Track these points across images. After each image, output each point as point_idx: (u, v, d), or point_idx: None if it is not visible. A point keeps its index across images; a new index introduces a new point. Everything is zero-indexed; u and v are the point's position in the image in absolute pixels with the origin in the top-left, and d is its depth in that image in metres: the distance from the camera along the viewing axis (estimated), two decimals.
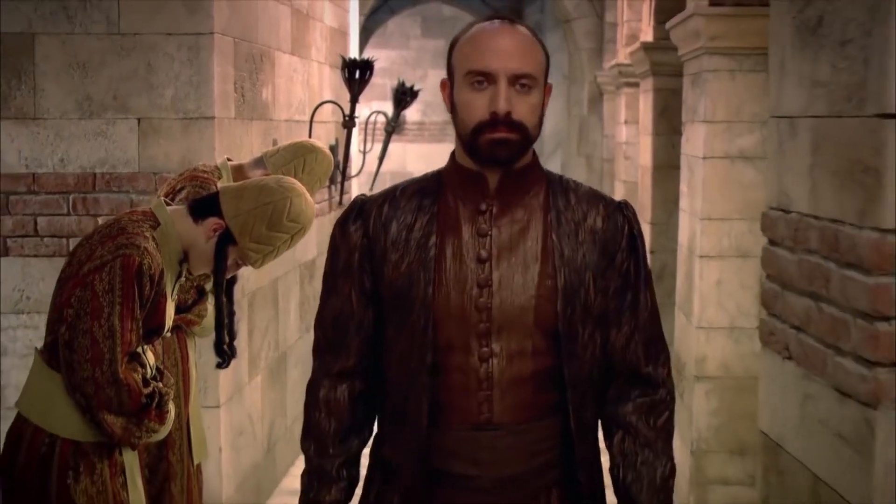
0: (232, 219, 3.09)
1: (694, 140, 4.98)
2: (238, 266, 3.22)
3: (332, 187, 7.08)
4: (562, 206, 2.16)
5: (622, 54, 8.75)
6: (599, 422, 2.24)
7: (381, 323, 2.23)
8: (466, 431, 2.13)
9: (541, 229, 2.15)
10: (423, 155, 18.07)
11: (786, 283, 2.76)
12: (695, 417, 5.18)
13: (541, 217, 2.16)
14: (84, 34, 4.65)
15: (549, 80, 2.15)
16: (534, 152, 2.17)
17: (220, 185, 3.91)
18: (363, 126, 9.20)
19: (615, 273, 2.17)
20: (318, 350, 2.30)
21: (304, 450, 2.29)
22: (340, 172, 7.11)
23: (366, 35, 13.60)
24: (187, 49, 4.68)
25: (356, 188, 8.67)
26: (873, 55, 2.31)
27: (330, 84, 7.18)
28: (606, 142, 10.44)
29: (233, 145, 4.93)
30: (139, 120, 4.70)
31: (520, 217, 2.15)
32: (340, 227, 2.26)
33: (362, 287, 2.22)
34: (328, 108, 6.86)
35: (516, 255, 2.13)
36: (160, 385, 3.09)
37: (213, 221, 3.08)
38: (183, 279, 3.30)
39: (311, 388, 2.30)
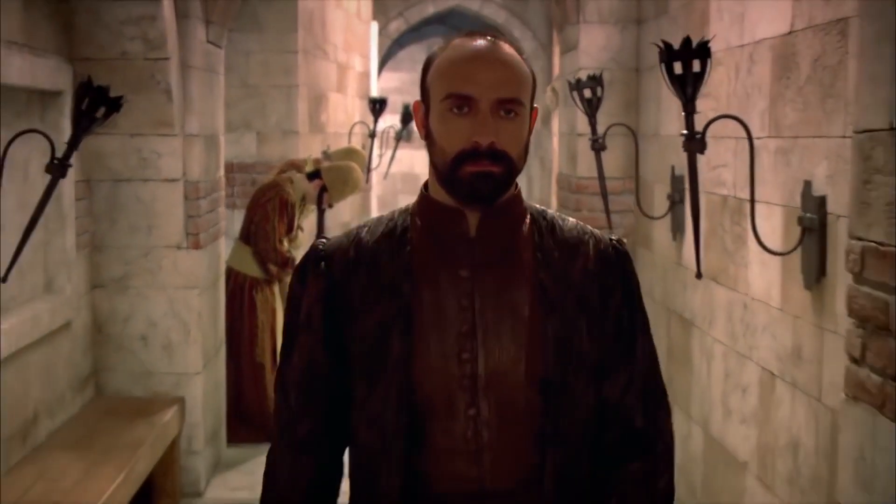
0: (326, 180, 6.85)
1: None
2: (327, 203, 6.98)
3: None
4: (549, 245, 1.91)
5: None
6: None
7: (349, 382, 1.94)
8: (451, 502, 1.86)
9: (528, 271, 1.89)
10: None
11: (564, 208, 6.50)
12: None
13: (527, 257, 1.90)
14: (228, 87, 8.39)
15: (535, 104, 1.90)
16: (516, 184, 1.92)
17: (306, 169, 7.66)
18: (379, 135, 13.01)
19: (610, 318, 1.92)
20: (280, 417, 2.01)
21: None
22: (366, 167, 10.90)
23: (382, 64, 17.34)
24: (284, 94, 8.43)
25: (375, 178, 12.50)
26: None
27: (359, 109, 11.00)
28: (551, 147, 14.29)
29: (307, 148, 8.68)
30: (257, 133, 8.45)
31: (505, 258, 1.89)
32: (300, 275, 1.99)
33: (328, 341, 1.94)
34: (358, 124, 10.67)
35: (502, 301, 1.87)
36: (293, 254, 6.85)
37: (318, 181, 6.84)
38: (298, 211, 7.06)
39: (272, 461, 2.02)
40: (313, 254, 1.98)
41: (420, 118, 1.92)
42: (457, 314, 1.87)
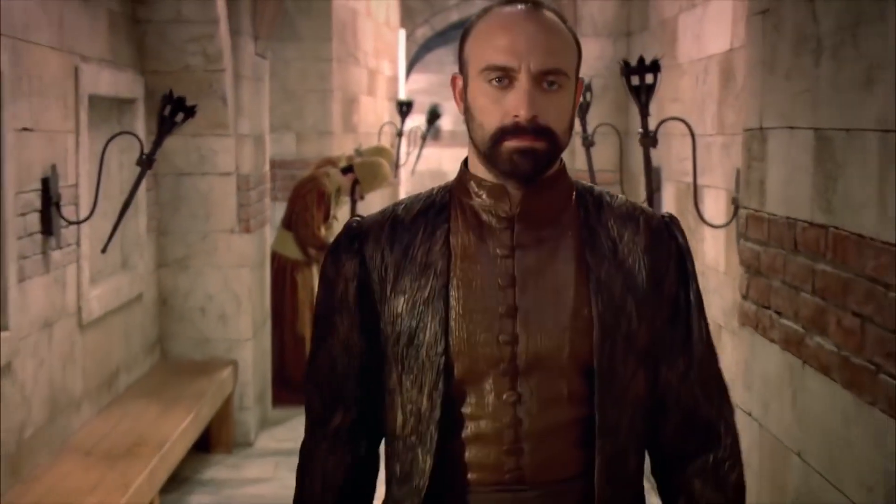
0: (358, 174, 7.80)
1: None
2: (359, 195, 7.93)
3: None
4: (596, 222, 1.81)
5: None
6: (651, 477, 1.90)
7: (382, 367, 1.86)
8: (489, 493, 1.77)
9: (573, 250, 1.79)
10: (456, 158, 22.34)
11: None
12: None
13: (573, 235, 1.80)
14: (269, 91, 9.35)
15: (581, 75, 1.79)
16: (561, 159, 1.81)
17: (340, 164, 8.61)
18: (406, 135, 13.94)
19: (664, 300, 1.82)
20: (312, 408, 1.93)
21: None
22: (394, 163, 11.86)
23: (410, 67, 18.32)
24: (320, 98, 9.39)
25: (403, 175, 13.46)
26: None
27: (388, 111, 11.95)
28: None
29: (340, 146, 9.63)
30: (296, 133, 9.41)
31: (548, 236, 1.80)
32: (333, 255, 1.89)
33: (363, 323, 1.85)
34: (387, 125, 11.63)
35: (545, 281, 1.78)
36: (329, 239, 7.80)
37: (351, 175, 7.80)
38: (334, 202, 8.01)
39: (306, 454, 1.93)
40: (347, 233, 1.89)
41: (458, 92, 1.82)
42: (496, 294, 1.78)
